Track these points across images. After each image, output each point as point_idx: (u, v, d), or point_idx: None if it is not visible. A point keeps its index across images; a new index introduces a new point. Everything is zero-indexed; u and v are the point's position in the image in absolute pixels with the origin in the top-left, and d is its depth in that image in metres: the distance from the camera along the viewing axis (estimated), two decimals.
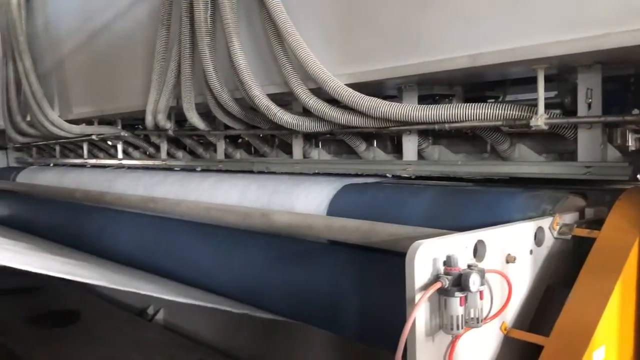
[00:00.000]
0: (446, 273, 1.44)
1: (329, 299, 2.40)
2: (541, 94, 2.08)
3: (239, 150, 3.87)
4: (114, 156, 5.10)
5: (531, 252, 1.78)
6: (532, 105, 2.15)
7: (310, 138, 3.27)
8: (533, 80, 2.11)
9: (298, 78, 2.71)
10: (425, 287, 1.43)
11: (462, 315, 1.44)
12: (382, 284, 2.20)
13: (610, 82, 2.15)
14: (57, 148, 5.93)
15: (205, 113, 3.53)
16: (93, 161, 5.36)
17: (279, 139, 3.53)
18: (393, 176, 2.83)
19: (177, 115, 3.92)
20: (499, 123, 2.21)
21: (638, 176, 2.06)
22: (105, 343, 4.14)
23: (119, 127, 4.77)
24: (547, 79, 2.28)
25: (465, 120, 2.29)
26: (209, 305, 2.75)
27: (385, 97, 2.86)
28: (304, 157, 3.26)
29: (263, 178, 3.12)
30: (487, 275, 1.53)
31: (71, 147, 5.72)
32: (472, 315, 1.47)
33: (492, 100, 2.92)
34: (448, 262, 1.45)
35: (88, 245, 4.03)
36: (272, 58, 2.83)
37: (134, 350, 4.00)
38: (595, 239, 1.76)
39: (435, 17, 2.24)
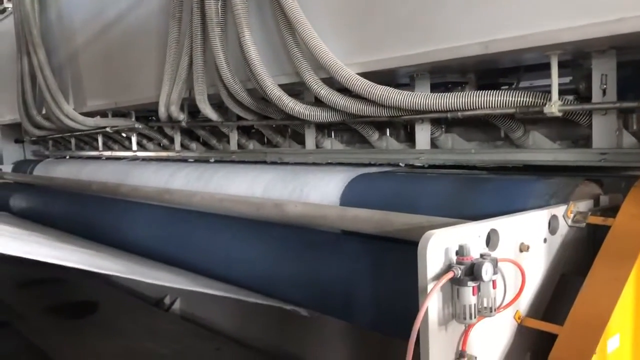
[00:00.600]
0: (458, 262, 1.44)
1: (343, 288, 2.40)
2: (555, 80, 2.06)
3: (252, 141, 3.89)
4: (129, 148, 5.14)
5: (545, 240, 1.76)
6: (546, 91, 2.13)
7: (323, 128, 3.27)
8: (547, 67, 2.09)
9: (309, 68, 2.71)
10: (438, 277, 1.43)
11: (474, 304, 1.44)
12: (396, 273, 2.19)
13: (625, 68, 2.12)
14: (73, 141, 5.98)
15: (217, 104, 3.54)
16: (108, 153, 5.40)
17: (292, 129, 3.54)
18: (406, 165, 2.82)
19: (190, 107, 3.93)
20: (512, 110, 2.19)
21: None
22: (122, 333, 4.20)
23: (133, 119, 4.80)
24: (562, 65, 2.25)
25: (478, 108, 2.27)
26: (225, 294, 2.77)
27: (397, 86, 2.85)
28: (317, 147, 3.26)
29: (276, 168, 3.13)
30: (500, 264, 1.52)
31: (86, 139, 5.77)
32: (485, 305, 1.47)
33: (506, 87, 2.89)
34: (460, 252, 1.45)
35: (104, 236, 4.07)
36: (283, 48, 2.83)
37: (150, 340, 4.05)
38: (610, 226, 1.74)
39: (447, 4, 2.22)
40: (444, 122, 2.66)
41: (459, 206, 2.05)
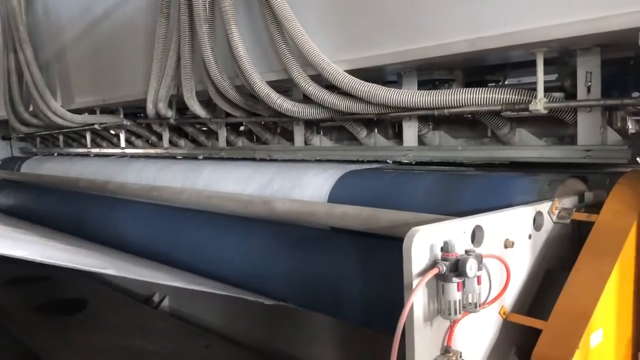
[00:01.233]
0: (443, 259, 1.45)
1: (331, 285, 2.41)
2: (540, 77, 2.07)
3: (241, 138, 3.88)
4: (117, 145, 5.11)
5: (530, 236, 1.78)
6: (533, 89, 2.14)
7: (312, 125, 3.27)
8: (534, 64, 2.10)
9: (297, 65, 2.71)
10: (423, 273, 1.44)
11: (459, 300, 1.45)
12: (383, 269, 2.21)
13: (610, 65, 2.14)
14: (61, 138, 5.94)
15: (206, 101, 3.53)
16: (96, 150, 5.37)
17: (281, 127, 3.54)
18: (394, 162, 2.83)
19: (179, 104, 3.91)
20: (498, 107, 2.21)
21: (638, 159, 2.05)
22: (111, 331, 4.20)
23: (121, 116, 4.78)
24: (548, 62, 2.27)
25: (465, 106, 2.28)
26: (214, 291, 2.77)
27: (386, 83, 2.86)
28: (306, 144, 3.26)
29: (265, 165, 3.13)
30: (485, 260, 1.54)
31: (74, 136, 5.73)
32: (470, 300, 1.48)
33: (493, 84, 2.91)
34: (445, 248, 1.46)
35: (93, 233, 4.06)
36: (271, 45, 2.82)
37: (140, 337, 4.05)
38: (593, 222, 1.76)
39: (434, 1, 2.23)
40: (431, 119, 2.67)
41: (446, 203, 2.06)
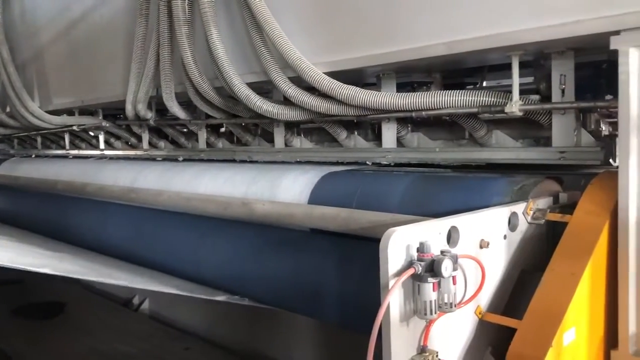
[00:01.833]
0: (419, 259, 1.46)
1: (311, 286, 2.42)
2: (516, 80, 2.10)
3: (221, 140, 3.87)
4: (96, 147, 5.06)
5: (505, 237, 1.81)
6: (509, 91, 2.17)
7: (292, 127, 3.28)
8: (511, 67, 2.13)
9: (277, 67, 2.71)
10: (399, 274, 1.45)
11: (435, 300, 1.46)
12: (362, 270, 2.22)
13: (584, 69, 2.18)
14: (39, 139, 5.87)
15: (186, 102, 3.51)
16: (75, 152, 5.32)
17: (261, 128, 3.53)
18: (373, 163, 2.85)
19: (159, 105, 3.89)
20: (475, 110, 2.23)
21: (611, 160, 2.09)
22: (90, 334, 4.16)
23: (100, 117, 4.73)
24: (525, 65, 2.31)
25: (442, 108, 2.30)
26: (194, 295, 2.76)
27: (365, 85, 2.87)
28: (286, 145, 3.27)
29: (245, 167, 3.12)
30: (460, 260, 1.55)
31: (53, 138, 5.66)
32: (445, 300, 1.50)
33: (471, 86, 2.94)
34: (421, 249, 1.47)
35: (71, 236, 4.02)
36: (251, 47, 2.82)
37: (119, 340, 4.02)
38: (567, 223, 1.79)
39: (412, 5, 2.25)
40: (410, 121, 2.69)
41: (423, 204, 2.08)
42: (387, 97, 2.41)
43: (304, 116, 2.80)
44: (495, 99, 2.19)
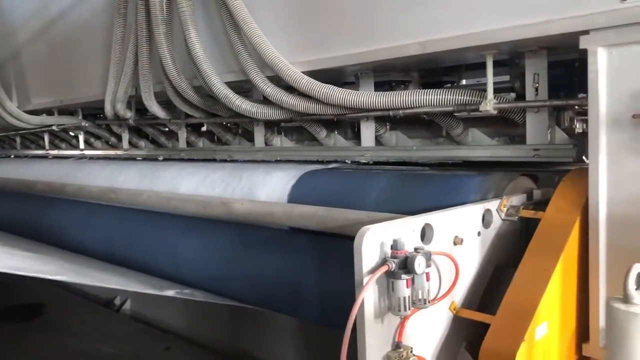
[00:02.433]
0: (393, 256, 1.48)
1: (290, 284, 2.42)
2: (490, 79, 2.13)
3: (202, 139, 3.86)
4: (76, 146, 5.02)
5: (479, 233, 1.83)
6: (484, 90, 2.20)
7: (272, 126, 3.28)
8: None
9: (255, 66, 2.72)
10: (373, 271, 1.47)
11: (409, 296, 1.48)
12: (340, 268, 2.23)
13: (558, 67, 2.21)
14: (18, 139, 5.82)
15: (166, 102, 3.50)
16: (55, 152, 5.27)
17: (242, 127, 3.54)
18: (352, 162, 2.86)
19: (138, 104, 3.87)
20: (450, 108, 2.26)
21: (584, 157, 2.12)
22: (71, 335, 4.12)
23: (80, 117, 4.70)
24: (501, 64, 2.34)
25: (418, 106, 2.32)
26: (174, 295, 2.76)
27: (345, 84, 2.89)
28: (266, 144, 3.27)
29: (225, 166, 3.12)
30: (434, 257, 1.57)
31: (32, 138, 5.61)
32: (419, 297, 1.52)
33: (449, 85, 2.97)
34: (394, 246, 1.49)
35: (50, 237, 3.98)
36: (230, 46, 2.82)
37: (101, 341, 3.99)
38: (540, 219, 1.82)
39: (387, 4, 2.27)
40: (388, 120, 2.71)
41: (400, 201, 2.11)
42: (365, 96, 2.43)
43: (283, 115, 2.81)
44: (471, 98, 2.22)
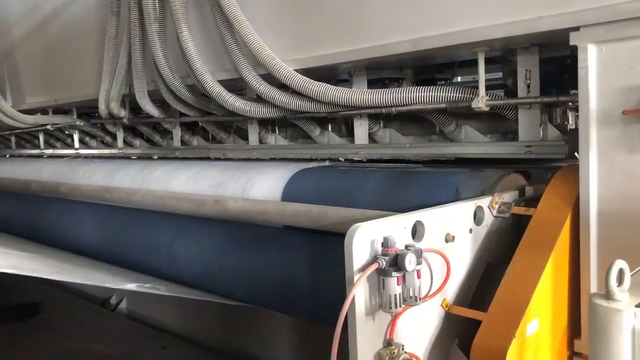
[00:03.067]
0: (383, 254, 1.48)
1: (284, 282, 2.43)
2: (482, 75, 2.13)
3: (196, 137, 3.86)
4: (71, 146, 5.02)
5: (471, 230, 1.83)
6: (476, 87, 2.20)
7: (266, 124, 3.28)
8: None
9: (248, 64, 2.71)
10: (364, 268, 1.47)
11: (400, 294, 1.48)
12: (333, 266, 2.22)
13: (550, 64, 2.21)
14: (13, 139, 5.81)
15: (160, 100, 3.50)
16: (50, 151, 5.26)
17: (236, 125, 3.53)
18: (346, 160, 2.86)
19: (133, 103, 3.87)
20: (442, 105, 2.26)
21: (576, 154, 2.12)
22: (67, 335, 4.12)
23: (74, 116, 4.69)
24: (494, 61, 2.34)
25: (411, 104, 2.33)
26: (170, 294, 2.76)
27: (338, 82, 2.89)
28: (260, 142, 3.27)
29: (219, 165, 3.12)
30: (425, 254, 1.57)
31: (27, 137, 5.60)
32: (410, 294, 1.52)
33: (443, 82, 2.97)
34: (385, 244, 1.49)
35: (46, 237, 3.98)
36: (222, 44, 2.82)
37: (97, 341, 3.99)
38: (531, 216, 1.83)
39: (379, 1, 2.26)
40: (381, 117, 2.71)
41: (393, 199, 2.11)
42: (357, 93, 2.43)
43: (276, 113, 2.81)
44: (463, 95, 2.22)
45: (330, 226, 2.11)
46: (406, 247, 1.52)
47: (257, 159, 3.24)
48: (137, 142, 4.34)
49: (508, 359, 1.52)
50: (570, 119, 2.25)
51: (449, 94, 2.24)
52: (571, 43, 1.72)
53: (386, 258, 1.47)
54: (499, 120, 2.36)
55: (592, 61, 1.69)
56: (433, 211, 1.71)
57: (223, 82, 2.89)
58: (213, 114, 3.26)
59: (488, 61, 2.18)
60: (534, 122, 2.15)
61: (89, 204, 3.64)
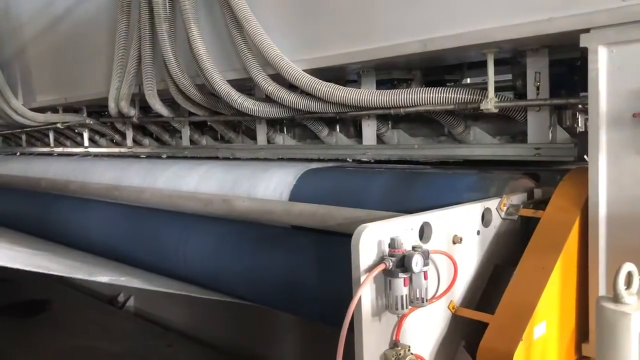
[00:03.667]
0: (390, 255, 1.48)
1: (292, 282, 2.43)
2: (491, 77, 2.13)
3: (205, 137, 3.88)
4: (81, 144, 5.05)
5: (478, 232, 1.83)
6: (485, 88, 2.19)
7: (275, 124, 3.29)
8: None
9: (257, 64, 2.72)
10: (370, 269, 1.47)
11: (406, 295, 1.48)
12: (340, 266, 2.22)
13: (560, 66, 2.20)
14: (23, 137, 5.85)
15: (169, 99, 3.51)
16: (60, 149, 5.30)
17: (245, 125, 3.54)
18: (354, 160, 2.86)
19: (142, 102, 3.89)
20: (451, 107, 2.25)
21: (585, 156, 2.11)
22: (75, 332, 4.15)
23: (84, 114, 4.72)
24: (503, 62, 2.33)
25: (419, 105, 2.32)
26: (177, 292, 2.77)
27: (347, 82, 2.89)
28: (269, 142, 3.28)
29: (227, 164, 3.13)
30: (432, 256, 1.57)
31: (37, 135, 5.65)
32: (417, 295, 1.51)
33: (451, 83, 2.96)
34: (392, 244, 1.49)
35: (56, 234, 4.00)
36: (232, 44, 2.83)
37: (103, 338, 4.01)
38: (540, 218, 1.82)
39: (389, 2, 2.26)
40: (390, 118, 2.71)
41: (400, 200, 2.10)
42: (366, 94, 2.43)
43: (284, 113, 2.81)
44: (472, 96, 2.21)
45: (337, 226, 2.11)
46: (413, 248, 1.51)
47: (265, 159, 3.25)
48: (146, 141, 4.36)
49: None
50: (579, 122, 2.25)
51: (458, 96, 2.24)
52: (581, 45, 1.71)
53: (393, 259, 1.47)
54: (507, 122, 2.35)
55: (602, 63, 1.67)
56: (441, 212, 1.70)
57: (232, 82, 2.90)
58: (222, 114, 3.27)
59: (497, 63, 2.17)
60: (543, 124, 2.14)
61: (98, 202, 3.66)
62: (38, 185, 4.29)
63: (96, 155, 4.76)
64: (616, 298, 1.06)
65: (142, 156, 4.27)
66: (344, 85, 2.56)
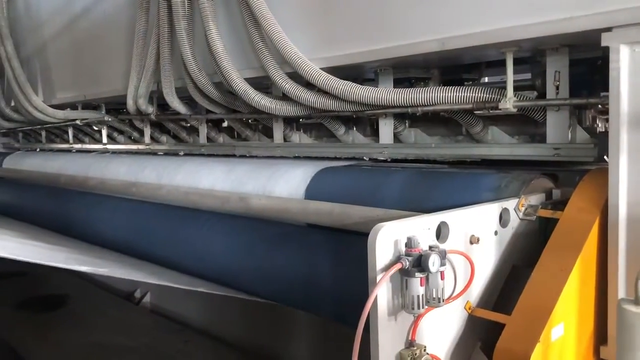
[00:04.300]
0: (407, 254, 1.47)
1: (307, 280, 2.43)
2: (510, 76, 2.11)
3: (222, 134, 3.89)
4: (99, 141, 5.10)
5: (496, 233, 1.81)
6: (504, 87, 2.17)
7: (291, 122, 3.29)
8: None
9: (274, 62, 2.72)
10: (387, 268, 1.47)
11: (422, 295, 1.47)
12: (356, 264, 2.22)
13: (580, 65, 2.18)
14: (43, 133, 5.92)
15: (187, 97, 3.53)
16: (78, 146, 5.36)
17: (261, 123, 3.55)
18: (370, 159, 2.86)
19: (160, 100, 3.92)
20: (469, 106, 2.24)
21: (605, 157, 2.08)
22: (92, 327, 4.19)
23: (103, 111, 4.77)
24: (522, 62, 2.31)
25: (437, 104, 2.31)
26: (193, 288, 2.78)
27: (364, 81, 2.89)
28: (285, 140, 3.28)
29: (244, 162, 3.14)
30: (449, 256, 1.56)
31: (57, 132, 5.71)
32: (434, 295, 1.51)
33: (470, 82, 2.95)
34: (408, 244, 1.48)
35: (74, 229, 4.05)
36: (249, 42, 2.83)
37: (121, 333, 4.05)
38: (558, 219, 1.80)
39: (406, 0, 2.25)
40: (407, 117, 2.70)
41: (417, 199, 2.10)
42: (383, 92, 2.42)
43: (301, 112, 2.81)
44: (490, 95, 2.19)
45: (353, 225, 2.11)
46: (430, 247, 1.51)
47: (282, 157, 3.25)
48: (163, 138, 4.39)
49: None
50: (599, 122, 2.23)
51: (476, 95, 2.22)
52: (603, 44, 1.68)
53: (409, 258, 1.46)
54: (526, 121, 2.33)
55: (624, 62, 1.65)
56: (458, 212, 1.70)
57: (249, 80, 2.91)
58: (239, 112, 3.28)
59: (516, 62, 2.15)
60: (562, 124, 2.11)
61: (116, 198, 3.70)
62: (57, 181, 4.35)
63: (114, 152, 4.81)
64: (637, 300, 1.05)
65: (159, 153, 4.30)
66: (361, 84, 2.55)
